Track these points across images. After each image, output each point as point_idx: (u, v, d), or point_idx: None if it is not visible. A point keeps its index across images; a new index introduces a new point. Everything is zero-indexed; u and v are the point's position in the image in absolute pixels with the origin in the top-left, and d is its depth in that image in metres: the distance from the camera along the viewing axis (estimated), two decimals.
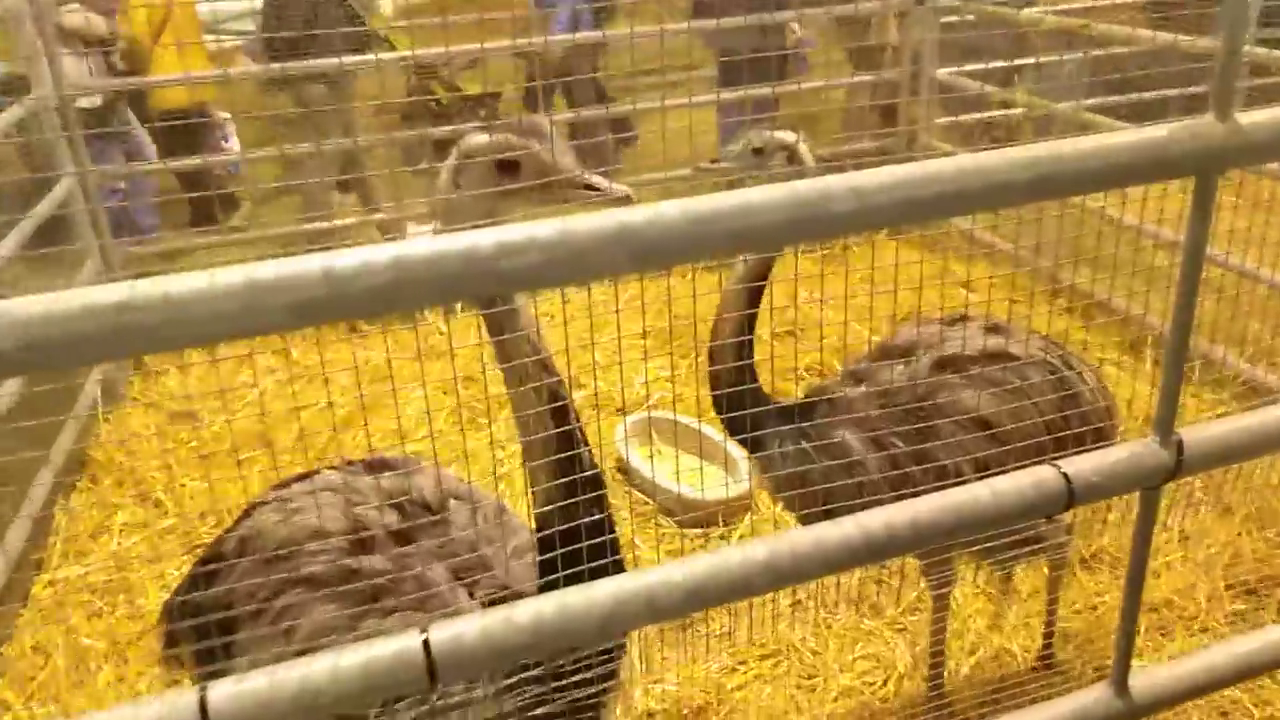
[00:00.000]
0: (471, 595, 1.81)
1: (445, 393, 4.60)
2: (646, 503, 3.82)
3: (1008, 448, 2.23)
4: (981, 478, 2.27)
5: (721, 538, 3.67)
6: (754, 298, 2.31)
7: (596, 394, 4.45)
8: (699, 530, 3.70)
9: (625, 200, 1.61)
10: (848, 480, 2.27)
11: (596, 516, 1.63)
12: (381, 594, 1.76)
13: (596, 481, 1.67)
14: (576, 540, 1.59)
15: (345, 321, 3.33)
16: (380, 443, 4.25)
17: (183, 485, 3.98)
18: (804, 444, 2.30)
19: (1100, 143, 1.24)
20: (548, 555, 1.63)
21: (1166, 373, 1.42)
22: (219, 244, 5.66)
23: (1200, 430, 1.45)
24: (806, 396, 2.47)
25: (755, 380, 2.35)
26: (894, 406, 2.31)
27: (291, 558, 1.82)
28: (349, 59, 5.07)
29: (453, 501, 1.96)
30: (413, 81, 8.33)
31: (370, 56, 5.25)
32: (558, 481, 1.62)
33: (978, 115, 5.55)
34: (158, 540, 3.68)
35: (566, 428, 1.63)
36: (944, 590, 2.76)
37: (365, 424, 4.02)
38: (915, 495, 2.16)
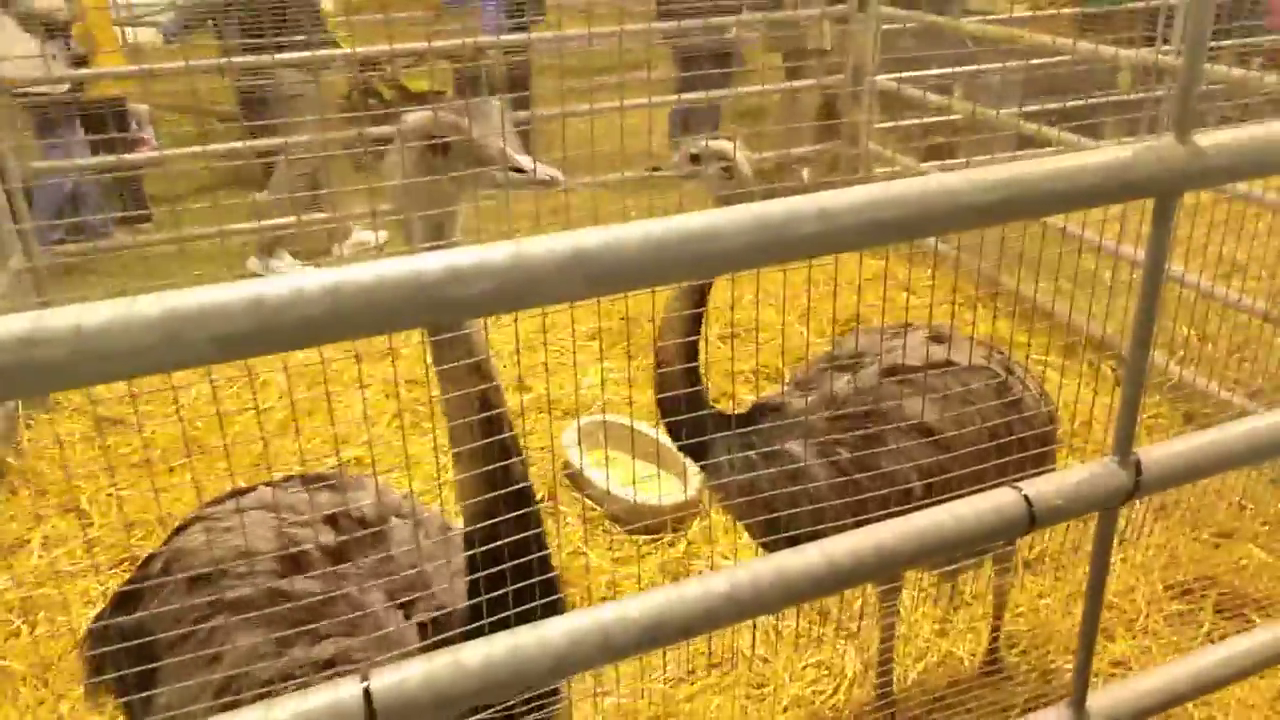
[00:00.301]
0: (408, 616, 1.73)
1: (387, 396, 4.50)
2: (594, 509, 3.77)
3: (953, 454, 2.22)
4: (928, 485, 2.30)
5: (670, 544, 3.63)
6: (699, 298, 2.28)
7: (549, 397, 4.40)
8: (649, 537, 3.66)
9: (551, 183, 1.55)
10: (794, 489, 2.25)
11: (521, 535, 1.54)
12: (312, 617, 1.67)
13: (525, 496, 1.59)
14: (501, 557, 1.51)
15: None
16: (318, 448, 4.12)
17: (109, 495, 3.81)
18: (750, 453, 2.27)
19: (1065, 164, 1.22)
20: (474, 575, 1.55)
21: (1125, 391, 1.41)
22: (145, 244, 5.46)
23: (1159, 450, 1.44)
24: (753, 406, 2.44)
25: (700, 384, 2.32)
26: (840, 415, 2.30)
27: (218, 579, 1.73)
28: (294, 55, 4.92)
29: (394, 518, 1.88)
30: (356, 79, 8.15)
31: (326, 53, 5.10)
32: (484, 496, 1.54)
33: (918, 121, 5.60)
34: (82, 554, 3.52)
35: (498, 437, 1.55)
36: (892, 598, 2.75)
37: (297, 430, 3.89)
38: (861, 503, 2.18)
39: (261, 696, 1.52)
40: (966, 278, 4.56)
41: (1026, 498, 1.36)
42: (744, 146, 2.30)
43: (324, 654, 1.65)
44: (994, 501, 1.36)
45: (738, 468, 2.28)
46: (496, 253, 0.94)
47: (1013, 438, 2.30)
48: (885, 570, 1.29)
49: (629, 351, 4.42)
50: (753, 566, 1.24)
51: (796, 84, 6.32)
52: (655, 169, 2.37)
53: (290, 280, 0.87)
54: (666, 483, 3.77)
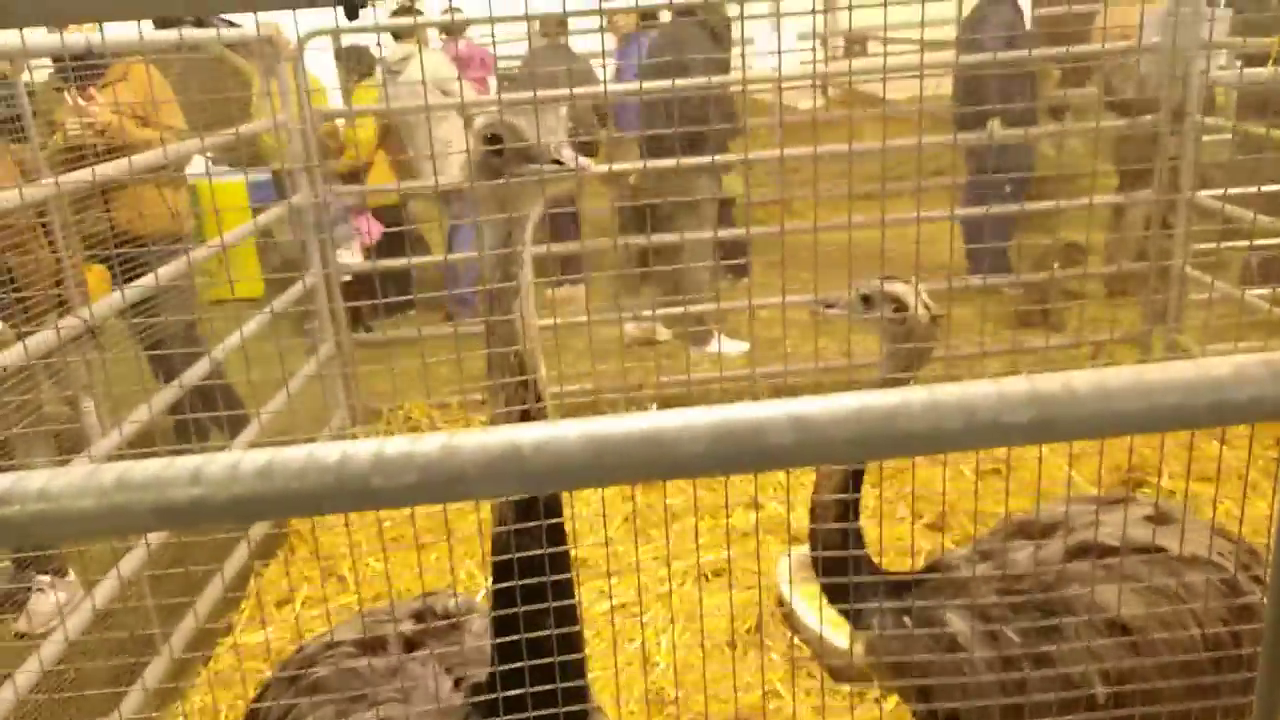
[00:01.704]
0: (457, 686, 1.75)
1: (624, 499, 4.62)
2: (802, 649, 3.59)
3: (1154, 661, 1.87)
4: (1114, 694, 1.94)
5: (877, 700, 3.35)
6: (857, 479, 2.14)
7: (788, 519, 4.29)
8: (858, 685, 3.41)
9: (583, 172, 1.51)
10: (949, 663, 2.01)
11: (536, 605, 1.46)
12: (372, 689, 1.75)
13: (551, 514, 1.50)
14: (515, 626, 1.45)
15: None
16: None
17: (367, 565, 4.22)
18: (906, 620, 2.06)
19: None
20: (501, 583, 1.51)
21: (1270, 650, 1.12)
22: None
23: None
24: (923, 569, 2.22)
25: (861, 545, 2.14)
26: (1014, 593, 2.02)
27: (308, 670, 1.87)
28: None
29: (475, 614, 1.93)
30: None
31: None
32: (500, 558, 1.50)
33: (1243, 244, 4.91)
34: (332, 615, 3.91)
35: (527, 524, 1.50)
36: None
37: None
38: (1027, 699, 1.89)
39: None
40: None
41: None
42: (925, 293, 2.14)
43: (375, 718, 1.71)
44: None
45: (889, 629, 2.08)
46: (427, 444, 0.95)
47: (1241, 651, 1.90)
48: None
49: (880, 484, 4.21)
50: None
51: (1103, 198, 5.80)
52: (828, 305, 2.26)
53: (227, 458, 0.94)
54: None
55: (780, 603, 3.75)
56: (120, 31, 3.69)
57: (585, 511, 4.45)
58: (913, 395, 0.99)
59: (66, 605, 3.60)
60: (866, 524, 2.20)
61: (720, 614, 3.73)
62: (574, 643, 1.51)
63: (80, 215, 4.48)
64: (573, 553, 1.55)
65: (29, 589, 4.18)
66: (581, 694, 1.54)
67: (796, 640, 3.61)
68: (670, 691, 3.39)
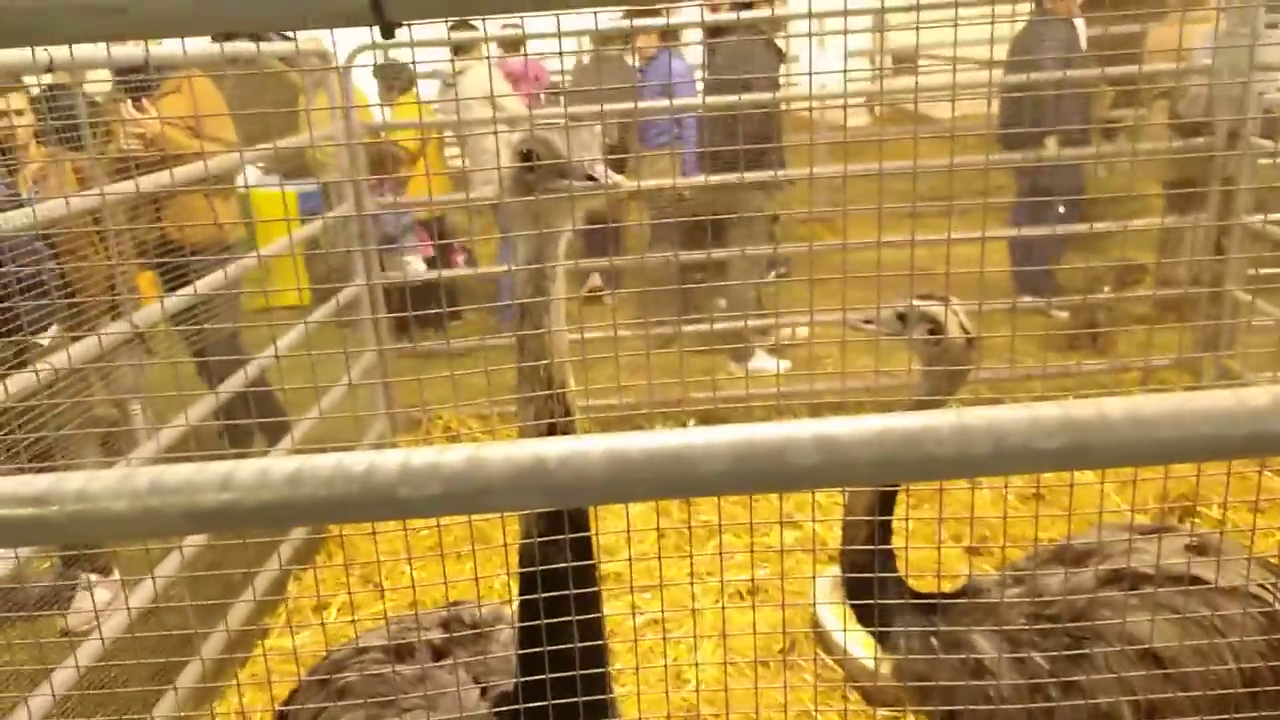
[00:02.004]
0: (484, 694, 1.75)
1: (660, 513, 4.60)
2: (834, 671, 3.55)
3: (1186, 694, 1.82)
4: None
5: None
6: (889, 501, 2.12)
7: (815, 535, 4.25)
8: (887, 711, 3.36)
9: (614, 188, 1.52)
10: (975, 688, 1.98)
11: (560, 619, 1.47)
12: (400, 695, 1.76)
13: (577, 528, 1.51)
14: (538, 638, 1.45)
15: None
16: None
17: (402, 573, 4.25)
18: (933, 642, 2.03)
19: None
20: (527, 595, 1.52)
21: None
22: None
23: None
24: (953, 592, 2.19)
25: (893, 567, 2.12)
26: (1043, 618, 1.99)
27: (336, 675, 1.88)
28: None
29: (503, 623, 1.94)
30: None
31: None
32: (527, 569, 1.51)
33: None
34: (368, 621, 3.94)
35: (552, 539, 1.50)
36: None
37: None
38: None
39: None
40: None
41: None
42: (963, 313, 2.11)
43: None
44: None
45: (915, 649, 2.05)
46: (453, 456, 0.96)
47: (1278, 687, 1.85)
48: None
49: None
50: None
51: (1160, 221, 5.71)
52: (868, 321, 2.24)
53: (257, 464, 0.95)
54: None
55: (814, 624, 3.72)
56: (174, 46, 3.79)
57: (618, 526, 4.46)
58: (940, 418, 0.98)
59: (110, 603, 3.68)
60: (899, 546, 2.18)
61: (751, 634, 3.71)
62: (598, 656, 1.51)
63: (132, 223, 4.60)
64: (601, 568, 1.55)
65: (75, 586, 4.27)
66: (605, 709, 1.54)
67: (829, 661, 3.57)
68: (700, 709, 3.37)
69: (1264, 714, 1.77)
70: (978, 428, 0.97)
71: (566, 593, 1.44)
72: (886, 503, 2.12)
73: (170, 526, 0.96)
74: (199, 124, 4.51)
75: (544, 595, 1.44)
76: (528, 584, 1.48)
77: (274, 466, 0.96)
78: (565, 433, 1.56)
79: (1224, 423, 0.98)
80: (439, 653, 1.89)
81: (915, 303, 2.11)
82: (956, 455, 0.96)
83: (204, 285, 3.76)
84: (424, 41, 5.33)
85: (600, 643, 1.51)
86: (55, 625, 4.21)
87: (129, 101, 4.39)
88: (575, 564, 1.44)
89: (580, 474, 0.96)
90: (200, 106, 4.50)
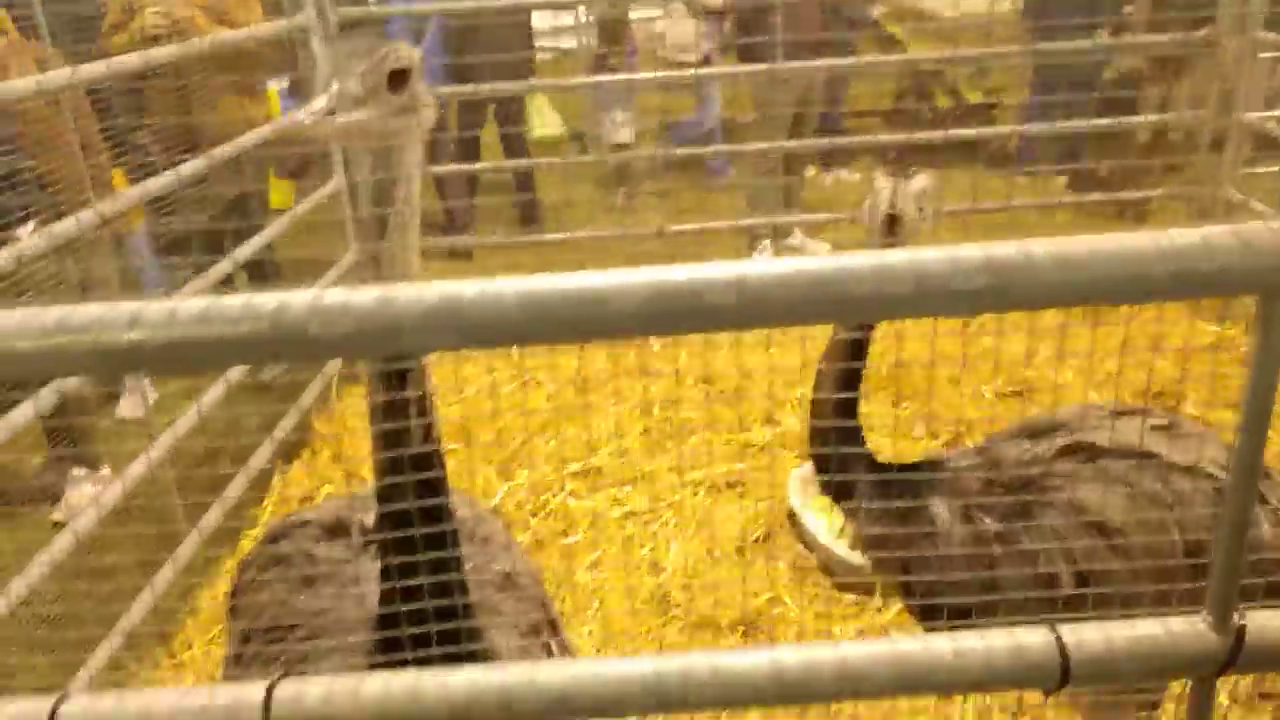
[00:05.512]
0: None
1: (641, 412, 4.63)
2: (808, 557, 3.61)
3: (1126, 558, 1.86)
4: (1079, 578, 1.92)
5: (879, 609, 3.37)
6: (858, 350, 2.09)
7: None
8: (857, 597, 3.43)
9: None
10: (929, 550, 2.02)
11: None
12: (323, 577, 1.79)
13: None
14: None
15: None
16: (571, 453, 4.34)
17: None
18: (891, 503, 2.05)
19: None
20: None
21: (1223, 538, 1.10)
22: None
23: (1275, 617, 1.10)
24: (916, 462, 2.21)
25: (860, 441, 2.12)
26: (997, 485, 2.01)
27: (282, 544, 1.91)
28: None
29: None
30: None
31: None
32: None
33: None
34: None
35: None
36: None
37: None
38: (993, 578, 1.89)
39: (271, 643, 1.67)
40: None
41: (1061, 642, 1.10)
42: (926, 189, 2.05)
43: (313, 606, 1.75)
44: (1015, 640, 1.11)
45: (875, 516, 2.08)
46: (362, 296, 0.94)
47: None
48: (846, 692, 1.11)
49: (896, 400, 4.18)
50: (692, 659, 1.12)
51: (1149, 118, 5.61)
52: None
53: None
54: None
55: (790, 515, 3.77)
56: None
57: (603, 424, 4.50)
58: (860, 259, 0.96)
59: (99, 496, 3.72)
60: (882, 440, 2.18)
61: (731, 523, 3.77)
62: (431, 461, 1.50)
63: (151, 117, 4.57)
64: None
65: (65, 481, 4.33)
66: (441, 511, 1.53)
67: (803, 551, 3.63)
68: (677, 595, 3.44)
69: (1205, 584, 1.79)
70: (898, 267, 0.95)
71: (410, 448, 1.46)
72: (857, 352, 2.10)
73: (78, 365, 0.95)
74: (228, 9, 4.47)
75: (386, 426, 1.46)
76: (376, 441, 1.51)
77: (183, 306, 0.94)
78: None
79: (1150, 262, 0.96)
80: (368, 533, 1.90)
81: (878, 177, 2.04)
82: (874, 294, 0.94)
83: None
84: None
85: (434, 448, 1.51)
86: (47, 519, 4.28)
87: None
88: (420, 421, 1.46)
89: (492, 313, 0.95)
90: None
